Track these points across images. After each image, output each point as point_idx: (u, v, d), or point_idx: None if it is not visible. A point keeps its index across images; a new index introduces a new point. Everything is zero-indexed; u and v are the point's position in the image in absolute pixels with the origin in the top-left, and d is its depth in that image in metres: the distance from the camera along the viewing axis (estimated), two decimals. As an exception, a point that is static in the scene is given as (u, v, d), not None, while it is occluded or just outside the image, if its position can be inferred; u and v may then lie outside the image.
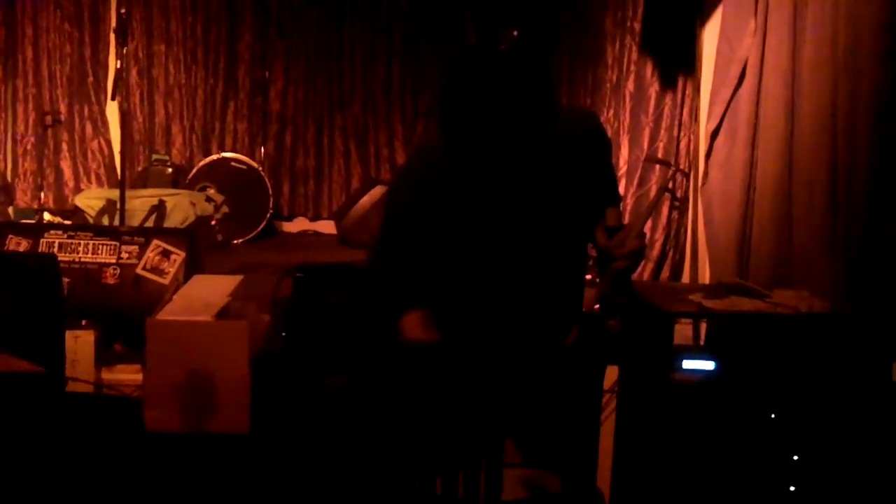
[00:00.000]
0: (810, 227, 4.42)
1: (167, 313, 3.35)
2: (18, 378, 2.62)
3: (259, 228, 7.35)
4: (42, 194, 7.53)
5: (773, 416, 2.72)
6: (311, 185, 8.14)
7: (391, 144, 8.16)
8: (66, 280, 3.96)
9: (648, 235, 5.95)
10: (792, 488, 2.68)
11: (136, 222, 6.25)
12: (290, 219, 8.15)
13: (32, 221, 7.02)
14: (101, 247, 4.29)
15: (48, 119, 7.52)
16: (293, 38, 7.99)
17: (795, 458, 2.69)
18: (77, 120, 7.92)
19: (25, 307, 3.24)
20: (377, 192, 7.42)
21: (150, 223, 6.41)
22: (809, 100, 4.50)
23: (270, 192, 7.39)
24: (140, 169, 7.64)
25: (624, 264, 2.50)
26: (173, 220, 6.54)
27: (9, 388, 2.48)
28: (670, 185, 6.05)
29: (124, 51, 5.56)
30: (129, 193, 5.93)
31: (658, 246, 6.15)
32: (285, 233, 8.05)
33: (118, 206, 5.69)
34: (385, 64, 8.10)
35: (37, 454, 2.41)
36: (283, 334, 3.12)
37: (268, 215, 7.39)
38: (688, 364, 2.86)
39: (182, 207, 6.64)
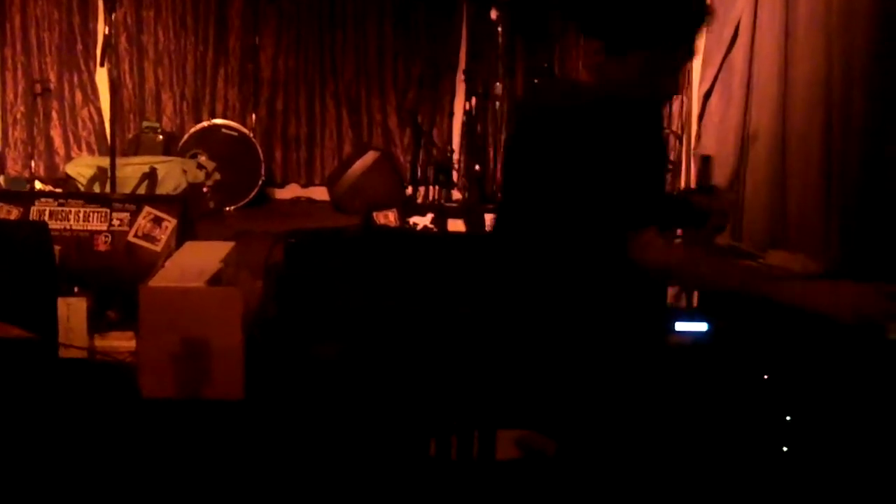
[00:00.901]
0: (805, 188, 4.41)
1: (160, 280, 3.35)
2: (10, 344, 2.62)
3: (251, 195, 7.32)
4: (33, 163, 7.48)
5: (765, 377, 2.72)
6: (303, 151, 8.11)
7: (384, 110, 8.12)
8: (57, 248, 3.94)
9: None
10: (784, 449, 2.69)
11: (127, 190, 6.23)
12: (282, 185, 8.12)
13: (24, 190, 6.99)
14: (92, 214, 4.28)
15: (38, 87, 7.46)
16: (284, 2, 7.93)
17: (788, 418, 2.70)
18: (67, 88, 7.86)
19: (17, 275, 3.24)
20: (370, 157, 7.39)
21: (141, 190, 6.39)
22: (803, 60, 4.48)
23: (262, 158, 7.36)
24: (131, 136, 7.60)
25: (720, 221, 2.53)
26: (165, 188, 6.52)
27: (1, 354, 2.48)
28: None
29: (112, 17, 5.52)
30: (120, 161, 5.91)
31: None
32: (278, 199, 8.03)
33: (109, 173, 5.67)
34: (377, 30, 8.04)
35: (31, 419, 2.41)
36: (275, 300, 3.12)
37: (260, 182, 7.36)
38: (680, 326, 2.87)
39: (173, 174, 6.62)
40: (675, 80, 2.49)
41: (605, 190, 2.27)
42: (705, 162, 2.80)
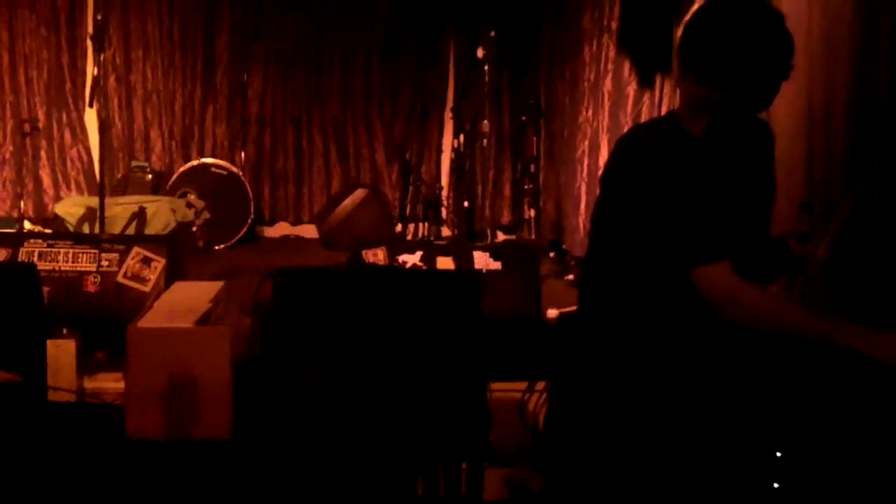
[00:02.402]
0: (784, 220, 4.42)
1: (148, 321, 3.35)
2: (-3, 388, 2.62)
3: (240, 234, 7.33)
4: (21, 203, 7.48)
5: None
6: (291, 187, 8.14)
7: (371, 144, 8.16)
8: (46, 289, 3.94)
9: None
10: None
11: (117, 229, 6.23)
12: (271, 223, 8.14)
13: (13, 231, 6.98)
14: (81, 255, 4.28)
15: (26, 126, 7.47)
16: (271, 39, 7.98)
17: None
18: (55, 127, 7.89)
19: (5, 316, 3.23)
20: (358, 194, 7.42)
21: (131, 230, 6.40)
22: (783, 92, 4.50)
23: (251, 197, 7.37)
24: (120, 176, 7.62)
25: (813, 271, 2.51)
26: (154, 227, 6.52)
27: (-12, 399, 2.48)
28: None
29: (101, 57, 5.54)
30: (109, 201, 5.92)
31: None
32: (267, 237, 8.04)
33: (98, 213, 5.67)
34: (364, 64, 8.10)
35: (18, 462, 2.41)
36: (263, 338, 3.12)
37: (249, 220, 7.37)
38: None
39: (163, 214, 6.62)
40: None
41: (678, 218, 2.28)
42: (806, 208, 2.77)
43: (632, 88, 6.25)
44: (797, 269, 2.58)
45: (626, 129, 6.25)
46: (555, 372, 2.75)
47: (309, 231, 7.95)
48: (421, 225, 7.52)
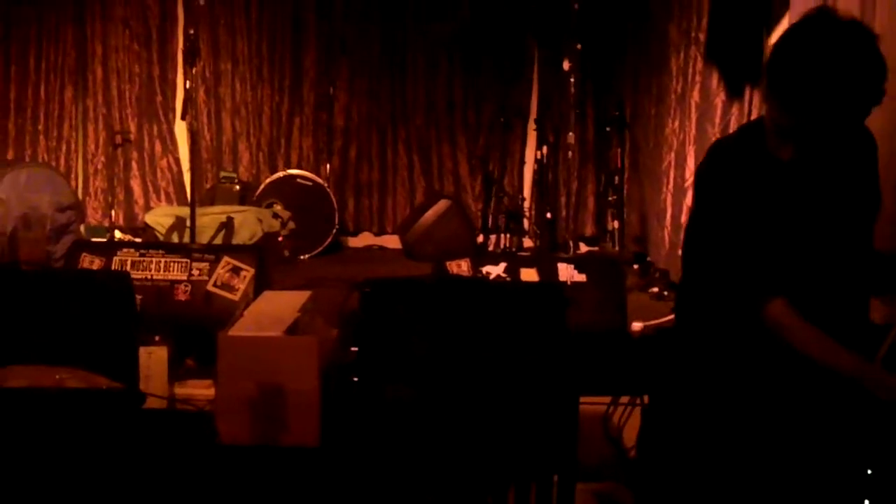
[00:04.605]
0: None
1: (238, 329, 3.40)
2: (99, 395, 2.68)
3: (325, 244, 7.41)
4: (112, 212, 7.66)
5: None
6: (375, 198, 8.20)
7: (454, 157, 8.19)
8: (138, 297, 4.02)
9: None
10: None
11: (205, 239, 6.35)
12: (355, 234, 8.21)
13: (104, 239, 7.15)
14: (172, 264, 4.37)
15: (118, 138, 7.66)
16: (356, 53, 8.06)
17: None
18: (146, 139, 8.07)
19: (100, 324, 3.31)
20: (441, 205, 7.44)
21: (218, 240, 6.50)
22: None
23: (336, 207, 7.45)
24: (208, 186, 7.76)
25: None
26: (241, 237, 6.63)
27: (89, 404, 2.54)
28: None
29: (193, 71, 5.65)
30: (198, 211, 6.03)
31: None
32: (351, 247, 8.11)
33: (188, 223, 5.78)
34: (446, 77, 8.14)
35: (115, 469, 2.46)
36: (354, 349, 3.15)
37: (334, 231, 7.44)
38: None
39: (249, 224, 6.72)
40: None
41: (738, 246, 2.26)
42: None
43: (720, 99, 6.17)
44: None
45: (713, 141, 6.19)
46: (648, 388, 2.73)
47: (392, 242, 8.00)
48: (503, 236, 7.51)
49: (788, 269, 2.31)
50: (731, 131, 6.14)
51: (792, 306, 2.27)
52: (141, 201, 8.03)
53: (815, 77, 2.26)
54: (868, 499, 2.61)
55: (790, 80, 2.31)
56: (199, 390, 3.77)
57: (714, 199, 2.39)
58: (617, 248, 7.20)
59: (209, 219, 6.64)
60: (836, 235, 2.36)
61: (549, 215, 6.99)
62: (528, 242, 7.72)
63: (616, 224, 7.27)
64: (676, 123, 6.51)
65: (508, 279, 4.62)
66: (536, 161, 7.52)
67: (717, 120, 6.20)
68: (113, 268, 4.38)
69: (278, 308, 3.63)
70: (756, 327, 2.30)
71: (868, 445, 2.25)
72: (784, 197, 2.33)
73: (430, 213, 7.41)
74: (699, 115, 6.29)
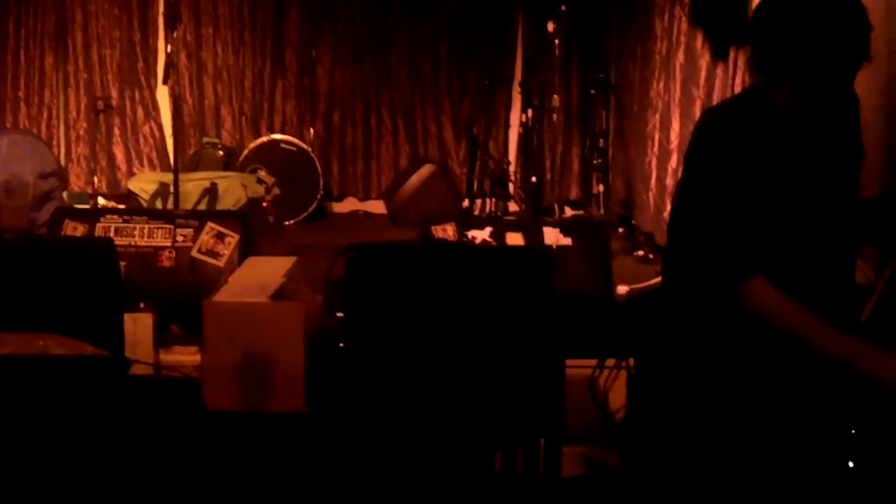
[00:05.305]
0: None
1: (223, 295, 3.40)
2: (84, 361, 2.67)
3: (310, 209, 7.39)
4: (95, 179, 7.61)
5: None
6: (359, 163, 8.17)
7: (439, 121, 8.16)
8: (122, 264, 4.01)
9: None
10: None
11: (189, 205, 6.31)
12: (340, 199, 8.19)
13: (87, 206, 7.11)
14: (156, 231, 4.35)
15: (100, 104, 7.59)
16: (339, 16, 8.00)
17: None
18: (128, 105, 8.01)
19: (84, 291, 3.30)
20: (426, 170, 7.43)
21: (202, 206, 6.47)
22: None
23: (320, 172, 7.42)
24: (191, 152, 7.71)
25: None
26: (225, 203, 6.59)
27: (74, 371, 2.53)
28: None
29: (174, 35, 5.60)
30: (181, 177, 5.99)
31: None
32: (336, 213, 8.09)
33: (171, 189, 5.75)
34: (432, 42, 8.09)
35: (102, 436, 2.46)
36: (340, 314, 3.14)
37: (318, 196, 7.42)
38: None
39: (234, 190, 6.69)
40: None
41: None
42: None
43: (704, 61, 6.15)
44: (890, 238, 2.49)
45: (698, 103, 6.18)
46: (634, 351, 2.73)
47: (377, 207, 7.98)
48: (488, 200, 7.50)
49: (777, 233, 2.28)
50: (715, 93, 6.15)
51: (771, 284, 2.23)
52: (124, 167, 7.98)
53: (796, 36, 2.25)
54: (851, 461, 2.62)
55: (770, 43, 2.29)
56: (186, 357, 3.77)
57: (710, 159, 2.36)
58: (602, 212, 7.21)
59: (193, 185, 6.60)
60: (832, 186, 2.35)
61: (534, 179, 6.97)
62: (513, 206, 7.72)
63: (601, 187, 7.27)
64: (661, 85, 6.50)
65: (494, 243, 4.62)
66: (521, 125, 7.49)
67: (702, 82, 6.19)
68: (96, 234, 4.36)
69: (263, 274, 3.62)
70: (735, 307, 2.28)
71: (853, 407, 2.25)
72: (783, 148, 2.30)
73: (415, 178, 7.39)
74: (684, 77, 6.28)
